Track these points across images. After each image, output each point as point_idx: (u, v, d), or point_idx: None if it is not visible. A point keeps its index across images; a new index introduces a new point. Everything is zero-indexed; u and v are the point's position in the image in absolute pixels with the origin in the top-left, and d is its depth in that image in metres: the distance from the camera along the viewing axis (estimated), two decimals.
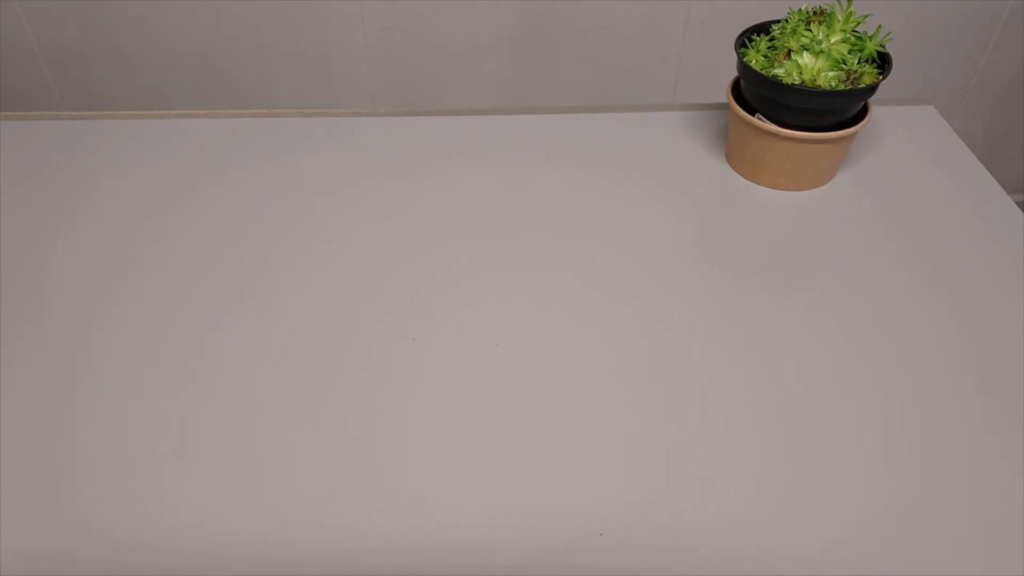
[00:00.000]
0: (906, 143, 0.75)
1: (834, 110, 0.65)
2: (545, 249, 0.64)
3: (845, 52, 0.64)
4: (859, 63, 0.65)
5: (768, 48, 0.67)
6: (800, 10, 0.67)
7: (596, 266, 0.62)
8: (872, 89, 0.64)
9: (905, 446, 0.50)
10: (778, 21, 0.68)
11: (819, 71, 0.64)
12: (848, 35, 0.64)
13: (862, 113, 0.67)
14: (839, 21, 0.64)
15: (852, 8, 0.64)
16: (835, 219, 0.67)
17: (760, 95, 0.66)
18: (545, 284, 0.61)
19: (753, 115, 0.67)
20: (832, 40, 0.64)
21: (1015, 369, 0.54)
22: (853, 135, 0.66)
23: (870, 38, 0.65)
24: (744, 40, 0.69)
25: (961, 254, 0.63)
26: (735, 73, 0.70)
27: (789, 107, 0.64)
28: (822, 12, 0.66)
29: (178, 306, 0.59)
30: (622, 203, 0.69)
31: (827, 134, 0.65)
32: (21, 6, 1.10)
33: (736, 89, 0.70)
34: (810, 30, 0.64)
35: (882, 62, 0.66)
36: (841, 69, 0.64)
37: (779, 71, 0.64)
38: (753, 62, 0.66)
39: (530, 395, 0.53)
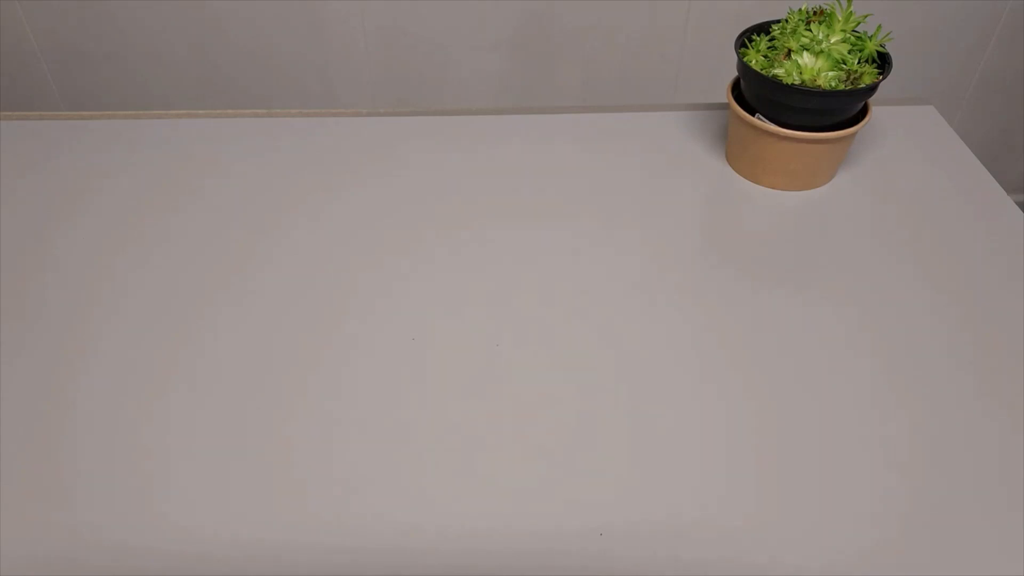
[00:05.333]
0: (906, 143, 0.75)
1: (834, 110, 0.65)
2: (545, 249, 0.64)
3: (845, 52, 0.64)
4: (859, 63, 0.65)
5: (768, 48, 0.67)
6: (800, 10, 0.67)
7: (596, 266, 0.62)
8: (872, 89, 0.64)
9: (904, 445, 0.50)
10: (778, 21, 0.68)
11: (819, 71, 0.64)
12: (848, 35, 0.64)
13: (862, 113, 0.67)
14: (839, 21, 0.64)
15: (852, 8, 0.64)
16: (835, 219, 0.67)
17: (760, 95, 0.66)
18: (545, 284, 0.61)
19: (753, 115, 0.67)
20: (832, 40, 0.64)
21: (1015, 369, 0.54)
22: (853, 135, 0.66)
23: (870, 38, 0.65)
24: (744, 40, 0.69)
25: (961, 254, 0.63)
26: (735, 73, 0.70)
27: (789, 107, 0.64)
28: (822, 12, 0.66)
29: (178, 306, 0.59)
30: (622, 203, 0.69)
31: (827, 134, 0.65)
32: (21, 6, 1.10)
33: (736, 89, 0.70)
34: (810, 30, 0.64)
35: (882, 62, 0.66)
36: (841, 69, 0.64)
37: (779, 71, 0.64)
38: (753, 62, 0.66)
39: (530, 395, 0.53)
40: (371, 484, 0.48)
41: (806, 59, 0.64)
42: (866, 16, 0.65)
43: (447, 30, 1.13)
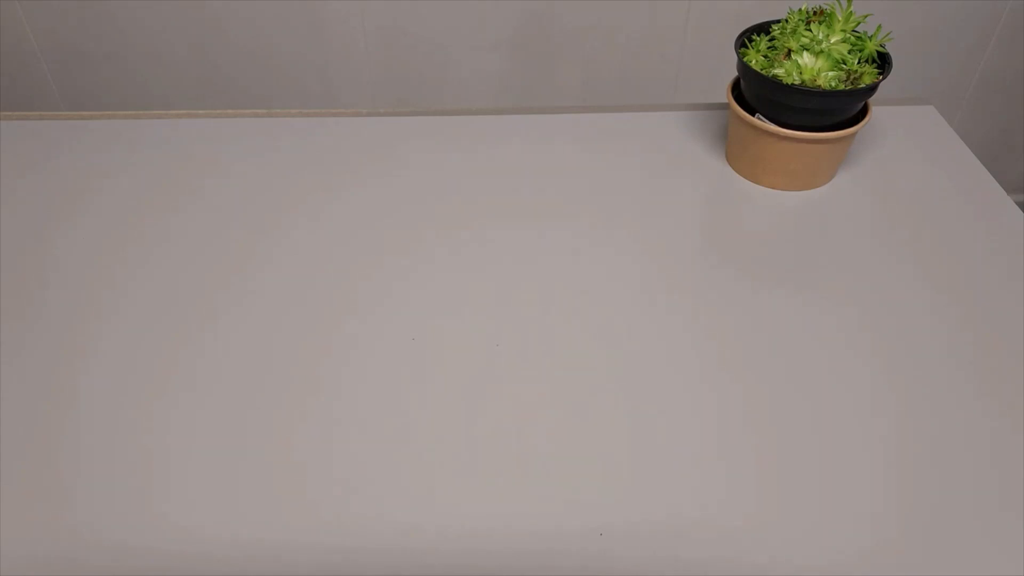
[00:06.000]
0: (906, 143, 0.75)
1: (834, 110, 0.65)
2: (545, 249, 0.64)
3: (845, 52, 0.64)
4: (859, 63, 0.65)
5: (768, 48, 0.67)
6: (800, 10, 0.67)
7: (596, 266, 0.62)
8: (872, 89, 0.64)
9: (904, 445, 0.50)
10: (778, 21, 0.68)
11: (819, 71, 0.64)
12: (848, 35, 0.64)
13: (862, 113, 0.67)
14: (839, 21, 0.64)
15: (852, 8, 0.64)
16: (835, 219, 0.67)
17: (760, 95, 0.66)
18: (545, 284, 0.61)
19: (753, 115, 0.67)
20: (832, 40, 0.64)
21: (1015, 369, 0.54)
22: (853, 135, 0.66)
23: (870, 38, 0.65)
24: (744, 40, 0.69)
25: (961, 254, 0.63)
26: (735, 73, 0.70)
27: (789, 107, 0.64)
28: (822, 12, 0.66)
29: (178, 307, 0.59)
30: (622, 203, 0.69)
31: (827, 134, 0.65)
32: (21, 6, 1.10)
33: (736, 89, 0.70)
34: (810, 30, 0.64)
35: (882, 62, 0.66)
36: (841, 69, 0.64)
37: (779, 71, 0.64)
38: (753, 62, 0.66)
39: (530, 395, 0.53)
40: (371, 484, 0.48)
41: (806, 59, 0.64)
42: (866, 16, 0.65)
43: (447, 30, 1.13)
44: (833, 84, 0.63)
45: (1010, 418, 0.51)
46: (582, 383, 0.54)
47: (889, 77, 0.64)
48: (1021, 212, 0.67)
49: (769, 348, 0.56)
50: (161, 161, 0.73)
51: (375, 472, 0.49)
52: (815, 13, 0.66)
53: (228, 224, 0.66)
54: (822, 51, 0.63)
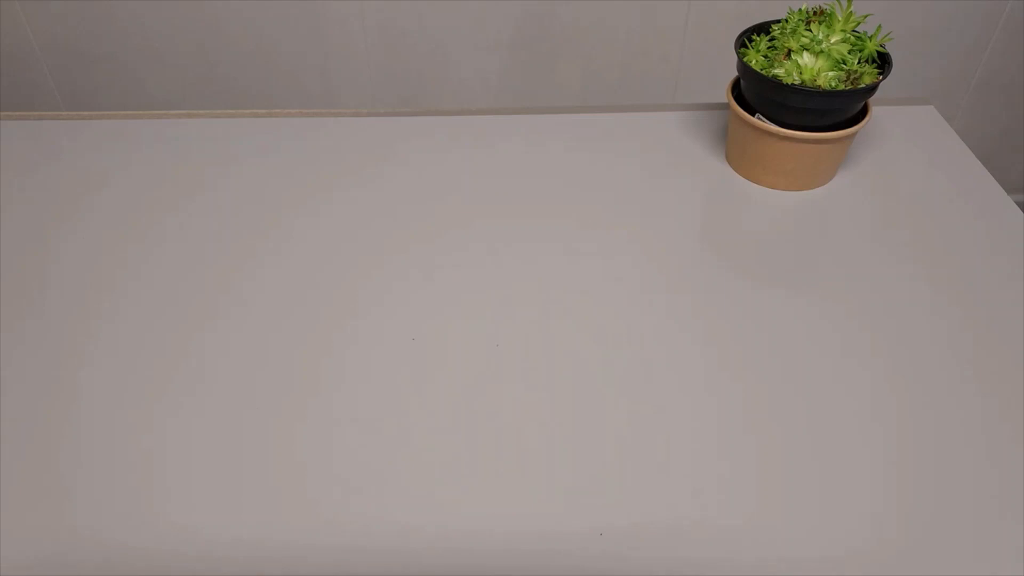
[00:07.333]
0: (906, 143, 0.75)
1: (834, 110, 0.65)
2: (544, 250, 0.64)
3: (845, 52, 0.64)
4: (859, 63, 0.65)
5: (768, 48, 0.67)
6: (800, 10, 0.67)
7: (595, 266, 0.62)
8: (872, 89, 0.64)
9: (904, 445, 0.50)
10: (778, 21, 0.68)
11: (819, 71, 0.64)
12: (848, 35, 0.64)
13: (862, 113, 0.67)
14: (839, 21, 0.64)
15: (852, 8, 0.64)
16: (835, 219, 0.67)
17: (760, 95, 0.66)
18: (544, 284, 0.61)
19: (753, 115, 0.67)
20: (832, 40, 0.64)
21: (1015, 369, 0.54)
22: (853, 135, 0.66)
23: (870, 38, 0.65)
24: (744, 40, 0.69)
25: (961, 254, 0.63)
26: (735, 73, 0.70)
27: (789, 107, 0.64)
28: (822, 12, 0.66)
29: (178, 307, 0.59)
30: (621, 203, 0.69)
31: (827, 134, 0.65)
32: (21, 6, 1.10)
33: (736, 89, 0.70)
34: (810, 30, 0.64)
35: (882, 62, 0.66)
36: (841, 69, 0.64)
37: (779, 71, 0.64)
38: (753, 62, 0.66)
39: (530, 395, 0.53)
40: (371, 484, 0.48)
41: (806, 59, 0.64)
42: (866, 16, 0.65)
43: (447, 30, 1.13)
44: (833, 84, 0.63)
45: (1010, 418, 0.51)
46: (582, 383, 0.54)
47: (889, 77, 0.64)
48: (1021, 212, 0.67)
49: (769, 348, 0.56)
50: (161, 161, 0.73)
51: (375, 472, 0.49)
52: (815, 13, 0.66)
53: (228, 224, 0.66)
54: (822, 51, 0.63)
